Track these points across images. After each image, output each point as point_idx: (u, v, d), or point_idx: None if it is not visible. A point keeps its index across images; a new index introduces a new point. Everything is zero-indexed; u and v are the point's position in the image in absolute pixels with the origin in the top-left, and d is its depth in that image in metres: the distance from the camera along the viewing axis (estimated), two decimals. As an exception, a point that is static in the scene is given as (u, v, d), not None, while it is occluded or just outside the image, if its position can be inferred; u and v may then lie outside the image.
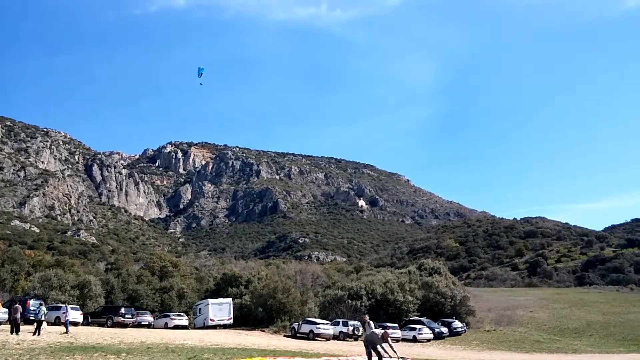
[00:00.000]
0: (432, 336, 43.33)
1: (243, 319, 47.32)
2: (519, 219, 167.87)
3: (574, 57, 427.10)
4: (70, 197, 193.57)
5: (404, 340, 41.91)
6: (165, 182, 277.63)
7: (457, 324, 46.99)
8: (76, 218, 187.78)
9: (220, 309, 45.35)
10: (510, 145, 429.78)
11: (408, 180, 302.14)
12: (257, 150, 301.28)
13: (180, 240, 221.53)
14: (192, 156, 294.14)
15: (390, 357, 16.70)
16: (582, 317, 53.94)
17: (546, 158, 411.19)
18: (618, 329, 47.27)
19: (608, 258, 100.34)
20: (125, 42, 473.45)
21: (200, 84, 43.44)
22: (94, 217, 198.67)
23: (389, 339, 16.98)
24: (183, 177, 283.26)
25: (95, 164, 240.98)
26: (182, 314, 46.38)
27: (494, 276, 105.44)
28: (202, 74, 41.98)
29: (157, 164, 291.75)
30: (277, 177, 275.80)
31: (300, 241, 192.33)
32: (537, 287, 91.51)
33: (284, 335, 42.01)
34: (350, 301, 47.62)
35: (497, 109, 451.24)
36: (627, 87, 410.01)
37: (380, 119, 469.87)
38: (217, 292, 51.63)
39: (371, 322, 20.48)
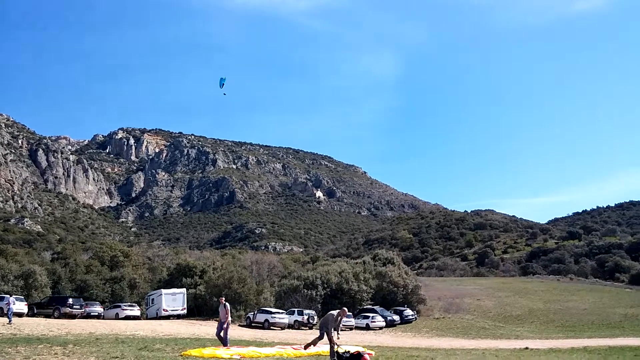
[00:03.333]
0: (384, 324, 44.58)
1: (197, 310, 47.01)
2: (469, 211, 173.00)
3: (529, 54, 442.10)
4: (14, 183, 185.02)
5: (357, 328, 42.95)
6: (116, 170, 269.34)
7: (408, 312, 48.55)
8: (20, 205, 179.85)
9: (173, 299, 44.90)
10: (463, 140, 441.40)
11: (365, 172, 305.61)
12: (213, 139, 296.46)
13: (132, 229, 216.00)
14: (145, 143, 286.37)
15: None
16: (524, 305, 56.67)
17: (497, 154, 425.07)
18: (557, 316, 50.02)
19: (550, 249, 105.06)
20: (76, 21, 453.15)
21: (224, 94, 42.34)
22: (39, 205, 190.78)
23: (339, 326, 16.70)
24: (135, 164, 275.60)
25: (40, 149, 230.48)
26: (133, 304, 45.57)
27: (444, 266, 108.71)
28: (224, 84, 41.00)
29: (107, 151, 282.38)
30: (234, 166, 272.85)
31: (257, 231, 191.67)
32: (485, 276, 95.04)
33: (239, 325, 42.09)
34: (305, 291, 48.22)
35: (451, 105, 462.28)
36: (577, 86, 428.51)
37: (339, 110, 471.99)
38: (171, 282, 50.97)
39: (227, 304, 19.99)
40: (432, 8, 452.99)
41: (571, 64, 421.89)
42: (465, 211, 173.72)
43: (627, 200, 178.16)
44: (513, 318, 50.08)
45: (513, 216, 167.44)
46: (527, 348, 27.54)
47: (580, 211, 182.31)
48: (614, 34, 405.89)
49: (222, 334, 19.77)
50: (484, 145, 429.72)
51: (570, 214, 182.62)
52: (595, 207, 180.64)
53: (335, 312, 16.58)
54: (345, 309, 17.15)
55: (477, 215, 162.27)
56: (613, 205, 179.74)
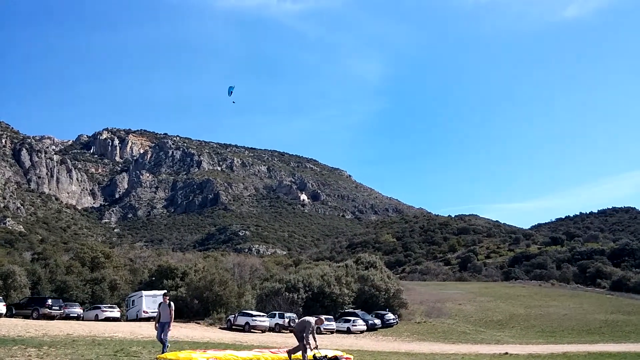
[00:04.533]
0: (365, 328, 44.57)
1: (178, 312, 45.98)
2: (453, 216, 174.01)
3: (517, 60, 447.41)
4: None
5: (338, 331, 42.92)
6: (100, 170, 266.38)
7: (389, 315, 48.56)
8: (2, 205, 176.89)
9: (154, 301, 44.28)
10: (448, 145, 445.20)
11: (350, 176, 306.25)
12: (198, 141, 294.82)
13: (115, 230, 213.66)
14: (129, 144, 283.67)
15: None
16: (506, 309, 57.10)
17: (482, 158, 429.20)
18: (538, 321, 50.45)
19: (533, 255, 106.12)
20: (62, 20, 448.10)
21: (233, 102, 42.75)
22: (21, 205, 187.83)
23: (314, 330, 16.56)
24: (119, 165, 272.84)
25: (24, 149, 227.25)
26: (114, 306, 45.13)
27: (427, 270, 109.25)
28: (232, 92, 40.76)
29: (91, 151, 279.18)
30: (219, 168, 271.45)
31: (241, 234, 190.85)
32: (467, 281, 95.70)
33: (220, 328, 41.86)
34: (287, 294, 48.02)
35: (437, 110, 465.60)
36: (563, 93, 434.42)
37: (325, 113, 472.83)
38: (152, 284, 50.52)
39: (172, 303, 18.34)
40: (422, 12, 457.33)
41: (559, 70, 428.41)
42: (449, 216, 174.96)
43: (610, 207, 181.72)
44: (494, 323, 50.40)
45: (496, 221, 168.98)
46: (506, 353, 27.71)
47: (564, 217, 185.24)
48: (600, 41, 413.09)
49: (162, 335, 17.87)
50: (469, 150, 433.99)
51: (554, 219, 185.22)
52: (578, 213, 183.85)
53: (312, 320, 16.49)
54: (323, 318, 17.22)
55: (461, 220, 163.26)
56: (596, 211, 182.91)
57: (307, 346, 15.91)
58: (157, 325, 17.98)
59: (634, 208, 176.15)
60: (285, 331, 41.52)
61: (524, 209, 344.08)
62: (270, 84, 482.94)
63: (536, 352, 28.97)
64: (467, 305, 59.30)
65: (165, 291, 18.69)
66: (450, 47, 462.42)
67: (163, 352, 17.30)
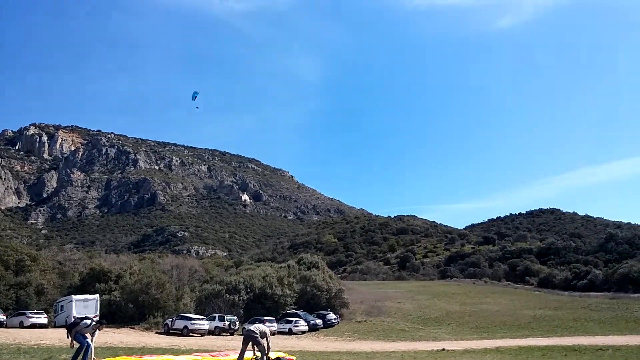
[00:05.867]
0: (307, 328, 44.56)
1: (111, 316, 44.43)
2: (392, 216, 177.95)
3: (451, 63, 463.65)
4: None
5: (280, 333, 42.63)
6: (26, 168, 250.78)
7: (331, 315, 48.88)
8: None
9: (85, 306, 42.09)
10: (387, 146, 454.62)
11: (292, 177, 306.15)
12: (134, 138, 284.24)
13: (43, 232, 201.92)
14: (59, 140, 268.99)
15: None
16: (442, 307, 58.89)
17: (420, 160, 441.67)
18: (472, 318, 52.32)
19: (467, 254, 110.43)
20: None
21: (197, 107, 40.75)
22: None
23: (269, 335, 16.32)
24: (48, 162, 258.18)
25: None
26: (40, 311, 42.55)
27: (368, 270, 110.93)
28: (196, 97, 38.93)
29: (17, 147, 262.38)
30: (157, 167, 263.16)
31: (180, 235, 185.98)
32: (406, 280, 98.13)
33: (156, 332, 40.46)
34: (228, 296, 47.26)
35: (376, 112, 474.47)
36: (494, 96, 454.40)
37: (267, 113, 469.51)
38: (83, 287, 47.94)
39: (97, 332, 16.57)
40: (362, 15, 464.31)
41: (492, 75, 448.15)
42: (389, 216, 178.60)
43: (537, 208, 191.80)
44: (431, 320, 51.79)
45: (433, 222, 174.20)
46: (444, 349, 28.49)
47: (495, 218, 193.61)
48: (529, 51, 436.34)
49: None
50: (408, 152, 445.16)
51: (486, 220, 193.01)
52: (508, 214, 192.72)
53: (267, 330, 16.14)
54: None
55: (400, 220, 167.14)
56: (524, 212, 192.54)
57: (267, 351, 15.88)
58: (74, 335, 15.68)
59: (559, 209, 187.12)
60: (226, 334, 40.73)
61: (459, 210, 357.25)
62: (211, 83, 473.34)
63: (471, 347, 29.98)
64: (406, 304, 60.64)
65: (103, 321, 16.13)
66: (389, 49, 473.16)
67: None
